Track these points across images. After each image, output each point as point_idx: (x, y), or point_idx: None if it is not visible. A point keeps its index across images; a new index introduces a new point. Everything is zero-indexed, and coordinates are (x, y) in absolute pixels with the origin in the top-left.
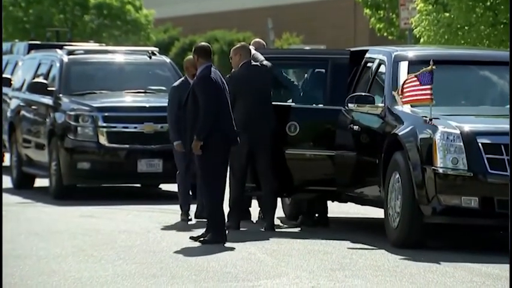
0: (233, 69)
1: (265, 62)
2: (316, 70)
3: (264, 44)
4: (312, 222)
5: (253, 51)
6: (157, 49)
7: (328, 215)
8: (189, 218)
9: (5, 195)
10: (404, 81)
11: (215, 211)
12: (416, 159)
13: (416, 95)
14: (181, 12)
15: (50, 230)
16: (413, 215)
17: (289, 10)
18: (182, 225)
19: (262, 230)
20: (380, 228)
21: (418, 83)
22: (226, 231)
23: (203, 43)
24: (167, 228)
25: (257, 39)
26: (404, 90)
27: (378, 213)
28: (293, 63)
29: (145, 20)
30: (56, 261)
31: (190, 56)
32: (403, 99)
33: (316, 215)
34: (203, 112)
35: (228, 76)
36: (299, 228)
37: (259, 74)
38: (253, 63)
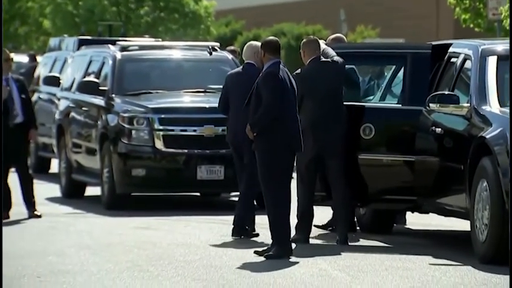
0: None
1: (336, 58)
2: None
3: (344, 38)
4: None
5: (323, 46)
6: (218, 44)
7: (393, 227)
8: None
9: (53, 206)
10: None
11: (280, 223)
12: (506, 165)
13: None
14: (244, 3)
15: (102, 243)
16: (503, 227)
17: (363, 0)
18: (245, 238)
19: (334, 243)
20: (466, 242)
21: None
22: (294, 245)
23: (271, 37)
24: (229, 241)
25: (336, 35)
26: None
27: (463, 225)
28: (368, 59)
29: (205, 13)
30: (109, 278)
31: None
32: None
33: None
34: (265, 106)
35: (294, 73)
36: (376, 242)
37: (329, 71)
38: (323, 59)
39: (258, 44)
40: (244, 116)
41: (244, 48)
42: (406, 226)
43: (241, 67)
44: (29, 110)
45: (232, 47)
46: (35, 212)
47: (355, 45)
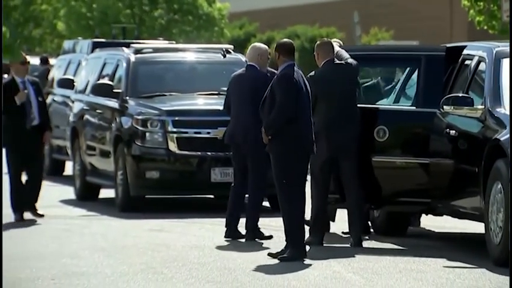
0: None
1: (350, 60)
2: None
3: (341, 43)
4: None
5: (337, 48)
6: (232, 46)
7: (409, 228)
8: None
9: (67, 208)
10: None
11: (294, 225)
12: None
13: None
14: (258, 5)
15: (116, 245)
16: None
17: (377, 2)
18: (259, 241)
19: (348, 246)
20: (480, 244)
21: None
22: (308, 247)
23: (285, 39)
24: (243, 243)
25: (334, 40)
26: None
27: (478, 227)
28: (382, 62)
29: (219, 15)
30: (123, 280)
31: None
32: None
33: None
34: (278, 107)
35: (308, 76)
36: (390, 244)
37: (343, 73)
38: (337, 61)
39: (262, 46)
40: (244, 117)
41: (248, 49)
42: (421, 228)
43: (243, 68)
44: (45, 112)
45: None
46: (37, 212)
47: (369, 48)
